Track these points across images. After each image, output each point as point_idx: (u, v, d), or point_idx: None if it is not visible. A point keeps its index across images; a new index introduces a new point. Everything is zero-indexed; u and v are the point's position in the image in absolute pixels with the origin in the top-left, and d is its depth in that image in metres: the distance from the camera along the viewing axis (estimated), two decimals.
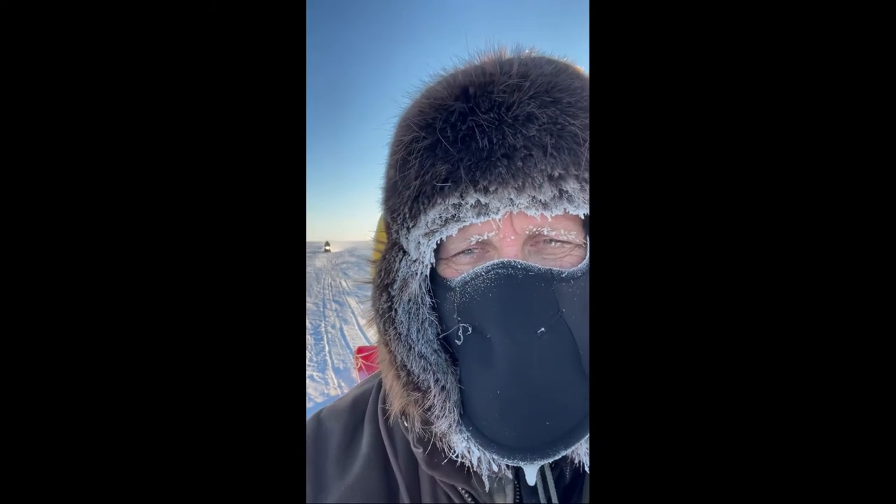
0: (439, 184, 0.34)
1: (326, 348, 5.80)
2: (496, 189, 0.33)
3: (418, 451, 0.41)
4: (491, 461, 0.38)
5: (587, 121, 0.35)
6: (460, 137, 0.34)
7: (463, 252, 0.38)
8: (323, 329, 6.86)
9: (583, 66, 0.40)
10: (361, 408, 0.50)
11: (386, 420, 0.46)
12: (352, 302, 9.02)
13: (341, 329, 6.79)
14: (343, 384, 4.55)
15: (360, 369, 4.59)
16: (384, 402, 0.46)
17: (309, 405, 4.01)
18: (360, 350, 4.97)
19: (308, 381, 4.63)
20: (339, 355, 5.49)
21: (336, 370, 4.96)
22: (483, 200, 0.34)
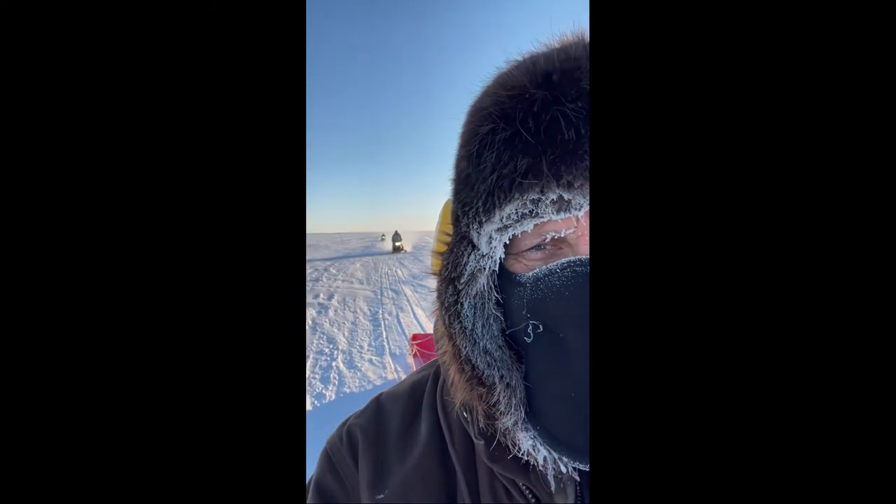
0: (518, 178, 0.32)
1: (384, 334, 6.04)
2: (581, 184, 0.31)
3: (479, 444, 0.41)
4: (559, 461, 0.37)
5: None
6: (543, 129, 0.32)
7: (533, 248, 0.37)
8: (380, 316, 7.14)
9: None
10: (420, 393, 0.51)
11: (445, 410, 0.46)
12: (407, 290, 9.27)
13: (397, 316, 7.02)
14: (399, 369, 4.73)
15: (414, 355, 4.73)
16: (445, 393, 0.46)
17: (368, 387, 4.22)
18: (414, 337, 5.12)
19: (368, 364, 4.87)
20: (395, 341, 5.69)
21: (393, 355, 5.16)
22: (566, 196, 0.32)
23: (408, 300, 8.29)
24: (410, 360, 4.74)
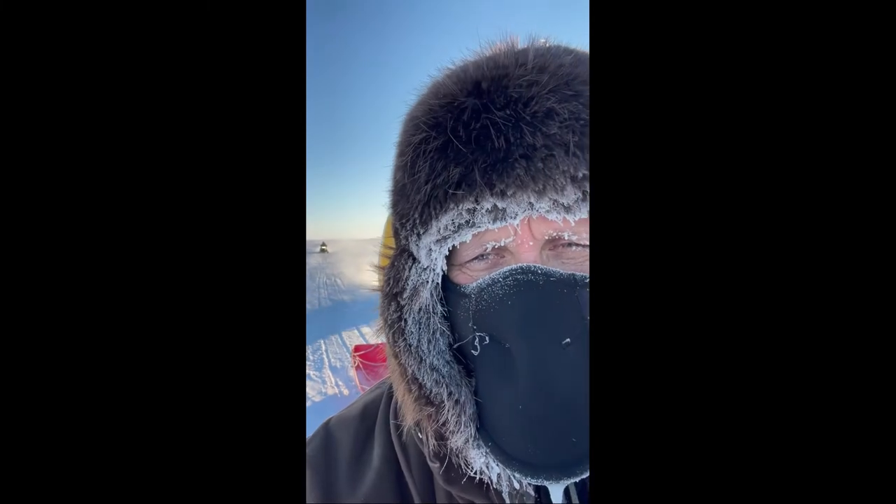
0: (452, 189, 0.32)
1: (323, 347, 5.77)
2: (514, 193, 0.31)
3: (434, 466, 0.39)
4: (512, 478, 0.36)
5: None
6: (474, 137, 0.32)
7: (477, 258, 0.36)
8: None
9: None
10: (372, 416, 0.48)
11: (399, 433, 0.44)
12: (348, 300, 8.98)
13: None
14: (340, 383, 4.53)
15: (357, 368, 4.58)
16: (396, 415, 0.44)
17: (307, 404, 3.99)
18: (357, 348, 4.95)
19: (306, 380, 4.61)
20: (335, 354, 5.47)
21: (333, 369, 4.94)
22: (500, 205, 0.32)
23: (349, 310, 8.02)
24: (353, 372, 4.58)
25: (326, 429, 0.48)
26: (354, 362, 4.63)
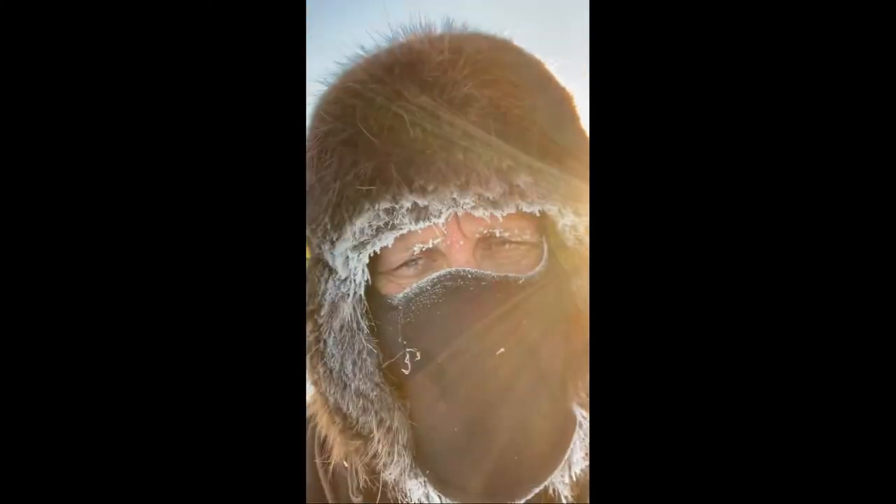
0: (365, 186, 0.29)
1: None
2: (435, 188, 0.28)
3: (357, 501, 0.35)
4: None
5: (535, 102, 0.30)
6: (387, 127, 0.29)
7: (405, 264, 0.32)
8: None
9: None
10: None
11: (325, 463, 0.40)
12: None
13: None
14: None
15: None
16: (322, 450, 0.39)
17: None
18: None
19: None
20: None
21: None
22: (421, 203, 0.28)
23: None
24: None
25: None
26: None
